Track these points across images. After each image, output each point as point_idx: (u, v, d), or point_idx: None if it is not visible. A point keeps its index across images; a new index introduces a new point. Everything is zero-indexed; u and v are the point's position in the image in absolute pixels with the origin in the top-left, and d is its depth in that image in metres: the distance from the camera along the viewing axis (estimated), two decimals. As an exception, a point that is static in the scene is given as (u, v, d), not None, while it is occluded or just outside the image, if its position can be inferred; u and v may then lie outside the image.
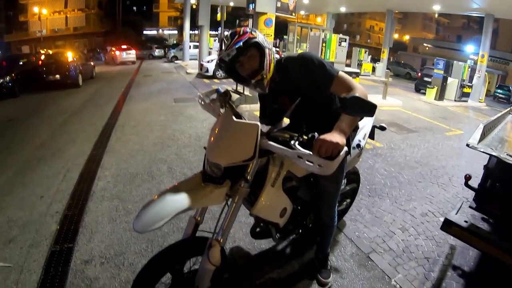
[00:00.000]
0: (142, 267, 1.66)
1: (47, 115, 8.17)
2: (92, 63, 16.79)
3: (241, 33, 1.70)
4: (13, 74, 11.27)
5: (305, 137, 1.51)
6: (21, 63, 13.40)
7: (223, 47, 1.71)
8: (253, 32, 1.72)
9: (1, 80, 10.78)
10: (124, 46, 27.23)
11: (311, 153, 1.40)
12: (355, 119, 1.56)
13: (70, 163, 4.75)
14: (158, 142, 5.64)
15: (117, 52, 26.47)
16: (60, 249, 2.78)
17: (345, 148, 1.41)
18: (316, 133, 1.47)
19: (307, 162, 1.41)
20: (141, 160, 4.81)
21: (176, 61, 26.23)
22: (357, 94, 1.45)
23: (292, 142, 1.51)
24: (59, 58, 13.44)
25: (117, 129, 6.51)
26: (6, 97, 10.62)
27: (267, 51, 1.73)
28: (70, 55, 13.67)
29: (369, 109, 1.45)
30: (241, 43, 1.66)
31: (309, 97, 1.83)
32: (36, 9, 38.07)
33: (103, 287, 2.37)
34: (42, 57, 13.87)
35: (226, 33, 1.78)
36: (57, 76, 12.33)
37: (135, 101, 9.55)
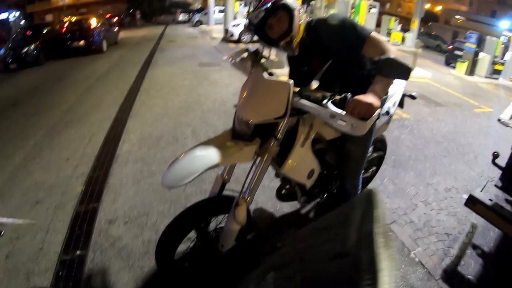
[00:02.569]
0: (168, 223, 1.69)
1: (72, 81, 8.30)
2: (116, 29, 16.78)
3: None
4: (37, 43, 11.46)
5: (338, 96, 1.49)
6: (45, 31, 13.52)
7: (251, 9, 1.66)
8: None
9: (26, 49, 10.99)
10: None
11: (344, 112, 1.38)
12: (389, 82, 1.50)
13: (96, 127, 4.86)
14: (183, 106, 5.67)
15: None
16: (85, 210, 2.89)
17: (378, 110, 1.37)
18: (349, 93, 1.45)
19: (339, 122, 1.39)
20: (166, 123, 4.86)
21: (200, 26, 25.60)
22: (392, 56, 1.40)
23: (325, 101, 1.48)
24: (83, 25, 13.47)
25: (141, 93, 6.58)
26: (31, 65, 10.86)
27: (296, 12, 1.66)
28: (93, 22, 13.65)
29: (404, 71, 1.39)
30: (269, 4, 1.60)
31: (340, 59, 1.77)
32: (57, -22, 38.00)
33: (126, 246, 2.46)
34: (66, 24, 13.94)
35: None
36: (81, 42, 12.46)
37: (159, 66, 9.54)
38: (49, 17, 36.04)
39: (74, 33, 12.79)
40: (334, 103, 1.47)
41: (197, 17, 28.20)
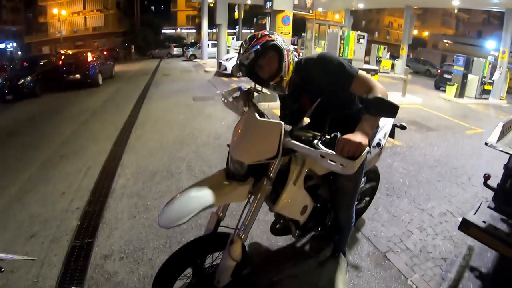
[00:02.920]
0: (164, 260, 1.71)
1: (68, 114, 8.37)
2: (111, 62, 17.05)
3: (259, 36, 1.70)
4: (34, 74, 11.61)
5: (327, 136, 1.52)
6: (41, 63, 13.71)
7: (242, 51, 1.73)
8: (271, 35, 1.72)
9: (23, 80, 11.13)
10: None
11: (334, 152, 1.41)
12: (377, 120, 1.55)
13: (91, 160, 4.87)
14: (177, 141, 5.71)
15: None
16: (80, 244, 2.86)
17: (367, 149, 1.41)
18: (339, 133, 1.48)
19: (329, 162, 1.42)
20: (161, 158, 4.89)
21: (194, 60, 26.36)
22: (379, 95, 1.46)
23: (315, 141, 1.52)
24: (79, 58, 13.68)
25: (137, 128, 6.63)
26: (27, 97, 10.96)
27: (285, 52, 1.73)
28: (89, 55, 13.87)
29: (392, 110, 1.45)
30: (259, 46, 1.67)
31: (329, 97, 1.83)
32: (55, 11, 38.88)
33: (122, 281, 2.43)
34: (62, 57, 14.14)
35: (250, 32, 1.80)
36: (77, 75, 12.58)
37: (154, 100, 9.68)
38: (46, 49, 36.63)
39: (70, 66, 12.96)
40: (324, 143, 1.51)
41: (191, 51, 29.04)
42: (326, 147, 1.47)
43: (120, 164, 4.65)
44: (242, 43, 1.76)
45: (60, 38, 38.21)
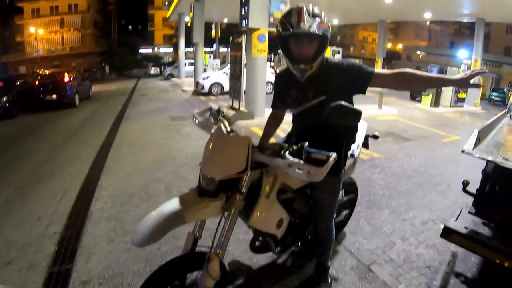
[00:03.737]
0: (142, 283, 1.67)
1: (45, 135, 8.19)
2: (88, 83, 16.85)
3: (323, 19, 1.77)
4: (10, 95, 11.32)
5: (295, 147, 1.54)
6: (18, 83, 13.46)
7: (298, 20, 1.73)
8: (328, 24, 1.81)
9: (-1, 101, 10.81)
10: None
11: (301, 161, 1.44)
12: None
13: (68, 183, 4.75)
14: (155, 161, 5.64)
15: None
16: (58, 271, 2.77)
17: (334, 154, 1.44)
18: (306, 142, 1.51)
19: (297, 170, 1.45)
20: (139, 179, 4.80)
21: (172, 79, 26.45)
22: (342, 102, 1.52)
23: (282, 152, 1.55)
24: (56, 78, 13.46)
25: (114, 149, 6.53)
26: (3, 118, 10.62)
27: (327, 47, 1.83)
28: (66, 75, 13.67)
29: (355, 115, 1.49)
30: (321, 32, 1.75)
31: (334, 98, 1.81)
32: (32, 30, 38.44)
33: (102, 308, 2.35)
34: (39, 77, 13.89)
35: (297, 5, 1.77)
36: (54, 96, 12.34)
37: (132, 120, 9.59)
38: (22, 69, 35.99)
39: (47, 86, 12.72)
40: (291, 153, 1.53)
41: (168, 70, 29.16)
42: (293, 157, 1.49)
43: (98, 187, 4.55)
44: (296, 11, 1.74)
45: (37, 57, 37.77)
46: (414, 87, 1.98)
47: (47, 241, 3.26)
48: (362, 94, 1.91)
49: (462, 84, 1.70)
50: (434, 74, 1.83)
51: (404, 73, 1.78)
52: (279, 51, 2.14)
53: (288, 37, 1.81)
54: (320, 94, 1.89)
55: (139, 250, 2.92)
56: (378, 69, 1.84)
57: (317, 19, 1.74)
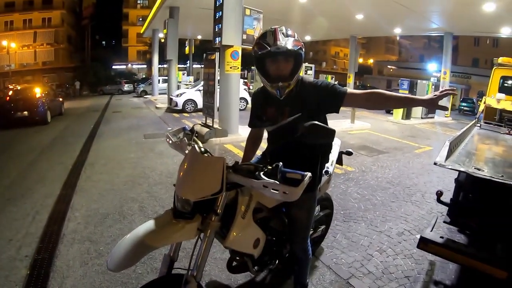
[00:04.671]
0: None
1: (15, 154, 7.88)
2: (61, 99, 16.41)
3: (296, 38, 1.84)
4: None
5: (269, 167, 1.55)
6: (-13, 98, 12.88)
7: (271, 40, 1.80)
8: (301, 42, 1.86)
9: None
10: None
11: (276, 181, 1.44)
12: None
13: (39, 204, 4.58)
14: (129, 181, 5.53)
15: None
16: (30, 296, 2.63)
17: (309, 174, 1.45)
18: (280, 163, 1.52)
19: (272, 191, 1.44)
20: (112, 199, 4.69)
21: (145, 96, 26.36)
22: (315, 122, 1.55)
23: (257, 172, 1.55)
24: (27, 94, 13.04)
25: (86, 168, 6.36)
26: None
27: (302, 65, 1.88)
28: (38, 91, 13.27)
29: (329, 134, 1.51)
30: (295, 49, 1.81)
31: (309, 116, 1.85)
32: (4, 43, 37.22)
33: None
34: (10, 92, 13.41)
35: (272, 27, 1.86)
36: (25, 112, 11.91)
37: (104, 138, 9.41)
38: (-8, 83, 34.65)
39: (18, 102, 12.28)
40: (266, 173, 1.53)
41: (141, 87, 29.08)
42: (268, 177, 1.50)
43: (70, 207, 4.40)
44: (271, 32, 1.83)
45: (9, 72, 36.51)
46: (385, 107, 2.03)
47: (19, 264, 3.13)
48: (336, 113, 1.95)
49: (431, 104, 1.76)
50: (404, 94, 1.90)
51: (375, 93, 1.84)
52: (253, 67, 2.18)
53: (265, 56, 1.85)
54: (296, 111, 1.91)
55: (114, 273, 2.83)
56: (351, 89, 1.89)
57: (291, 38, 1.82)
